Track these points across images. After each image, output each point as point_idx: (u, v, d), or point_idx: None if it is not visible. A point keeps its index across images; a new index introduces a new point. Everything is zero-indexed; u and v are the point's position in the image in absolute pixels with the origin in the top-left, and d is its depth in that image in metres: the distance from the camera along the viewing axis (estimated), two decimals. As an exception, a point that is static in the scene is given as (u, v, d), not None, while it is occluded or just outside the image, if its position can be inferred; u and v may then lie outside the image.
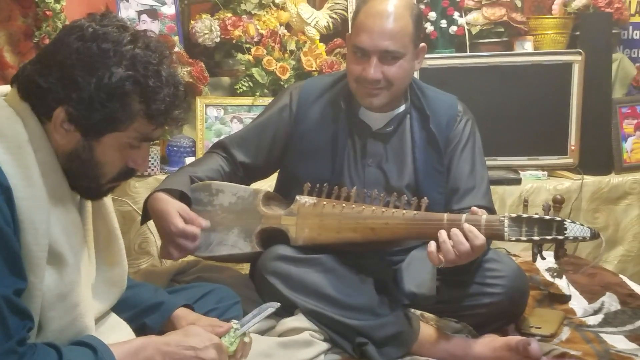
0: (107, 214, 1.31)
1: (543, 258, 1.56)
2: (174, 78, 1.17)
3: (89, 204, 1.27)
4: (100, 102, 1.10)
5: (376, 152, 1.80)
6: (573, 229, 1.47)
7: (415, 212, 1.61)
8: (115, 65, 1.10)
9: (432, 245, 1.53)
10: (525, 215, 1.51)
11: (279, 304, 1.44)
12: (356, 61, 1.71)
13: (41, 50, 1.18)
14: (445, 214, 1.58)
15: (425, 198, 1.63)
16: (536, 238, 1.49)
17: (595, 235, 1.47)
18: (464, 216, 1.54)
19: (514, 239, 1.50)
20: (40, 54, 1.17)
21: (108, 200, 1.31)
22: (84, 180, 1.18)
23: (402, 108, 1.80)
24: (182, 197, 1.71)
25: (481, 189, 1.78)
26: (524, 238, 1.50)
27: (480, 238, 1.49)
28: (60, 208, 1.14)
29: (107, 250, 1.31)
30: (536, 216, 1.51)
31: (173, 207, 1.65)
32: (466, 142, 1.82)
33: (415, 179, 1.78)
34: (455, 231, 1.50)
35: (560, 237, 1.48)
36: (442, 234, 1.51)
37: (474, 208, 1.57)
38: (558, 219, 1.49)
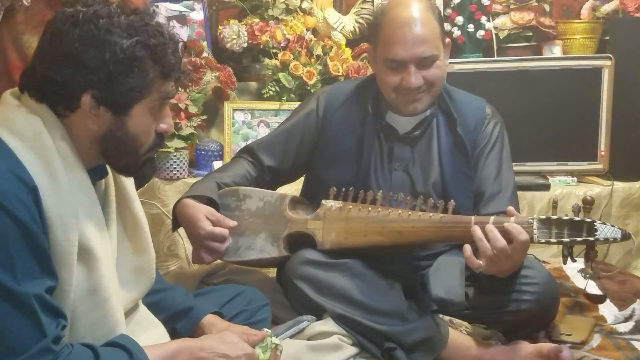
0: (132, 202, 1.32)
1: (574, 260, 1.53)
2: (170, 32, 1.20)
3: (112, 194, 1.28)
4: (120, 75, 1.13)
5: (403, 156, 1.80)
6: (604, 230, 1.44)
7: (442, 214, 1.60)
8: (119, 37, 1.13)
9: (468, 249, 1.51)
10: (554, 217, 1.49)
11: (314, 318, 1.45)
12: (392, 72, 1.70)
13: (39, 51, 1.17)
14: (473, 217, 1.56)
15: (452, 201, 1.62)
16: (566, 240, 1.47)
17: (626, 236, 1.44)
18: (492, 218, 1.52)
19: (543, 241, 1.48)
20: (40, 53, 1.16)
21: (132, 188, 1.32)
22: (123, 157, 1.20)
23: (429, 111, 1.79)
24: (210, 203, 1.72)
25: (507, 194, 1.76)
26: (553, 240, 1.48)
27: (524, 234, 1.46)
28: (85, 202, 1.16)
29: (133, 239, 1.32)
30: (566, 217, 1.48)
31: (200, 212, 1.67)
32: (493, 145, 1.80)
33: (442, 184, 1.77)
34: (490, 227, 1.48)
35: (591, 239, 1.45)
36: (477, 231, 1.49)
37: (510, 208, 1.54)
38: (588, 220, 1.47)
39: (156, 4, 2.65)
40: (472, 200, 1.78)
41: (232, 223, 1.68)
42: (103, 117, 1.15)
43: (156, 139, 1.23)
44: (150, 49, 1.15)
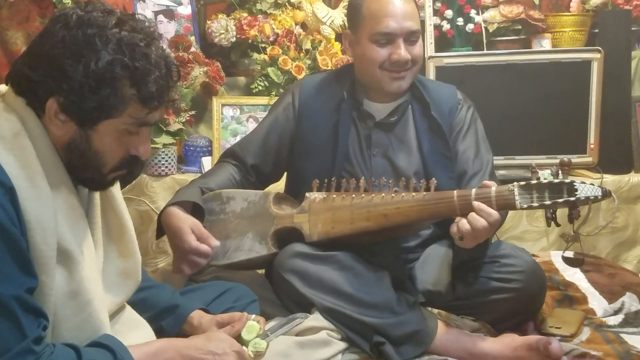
0: (117, 205, 1.29)
1: (558, 224, 1.54)
2: (165, 59, 1.15)
3: (97, 197, 1.25)
4: (91, 89, 1.08)
5: (381, 142, 1.83)
6: (584, 189, 1.46)
7: (425, 193, 1.62)
8: (102, 50, 1.08)
9: (454, 227, 1.55)
10: (534, 182, 1.50)
11: (308, 315, 1.44)
12: (379, 47, 1.75)
13: (30, 43, 1.16)
14: (455, 191, 1.58)
15: (434, 179, 1.64)
16: (548, 203, 1.48)
17: (606, 194, 1.46)
18: (473, 190, 1.55)
19: (525, 206, 1.50)
20: (30, 46, 1.15)
21: (117, 191, 1.30)
22: (86, 171, 1.16)
23: (404, 98, 1.84)
24: (195, 208, 1.72)
25: (487, 172, 1.82)
26: (535, 204, 1.49)
27: (494, 215, 1.50)
28: (65, 205, 1.13)
29: (119, 243, 1.30)
30: (545, 181, 1.50)
31: (186, 224, 1.66)
32: (468, 128, 1.86)
33: (423, 166, 1.81)
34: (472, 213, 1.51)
35: (572, 199, 1.46)
36: (453, 228, 1.55)
37: (485, 182, 1.57)
38: (567, 180, 1.48)
39: (143, -2, 2.64)
40: (455, 181, 1.81)
41: (216, 243, 1.68)
42: (68, 125, 1.12)
43: (126, 161, 1.19)
44: (130, 70, 1.10)
